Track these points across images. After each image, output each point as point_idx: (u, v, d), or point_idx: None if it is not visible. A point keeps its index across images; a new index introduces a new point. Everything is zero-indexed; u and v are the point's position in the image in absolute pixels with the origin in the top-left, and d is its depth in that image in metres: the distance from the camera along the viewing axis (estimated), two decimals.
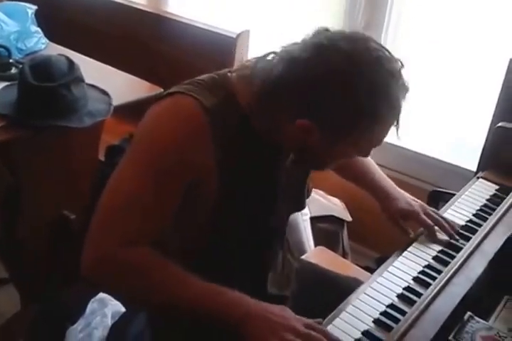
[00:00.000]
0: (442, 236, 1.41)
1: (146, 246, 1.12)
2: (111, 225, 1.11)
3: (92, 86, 2.02)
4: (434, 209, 1.50)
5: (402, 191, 1.53)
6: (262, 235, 1.29)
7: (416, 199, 1.51)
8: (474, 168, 2.23)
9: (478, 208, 1.58)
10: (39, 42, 2.34)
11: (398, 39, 2.43)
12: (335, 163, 1.26)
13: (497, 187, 1.70)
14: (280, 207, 1.31)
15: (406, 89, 1.11)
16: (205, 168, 1.13)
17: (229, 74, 1.21)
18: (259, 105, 1.14)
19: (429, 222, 1.42)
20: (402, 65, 1.11)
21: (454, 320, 0.85)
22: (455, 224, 1.44)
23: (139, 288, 1.12)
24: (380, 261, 2.52)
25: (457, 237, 1.40)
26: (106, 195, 1.13)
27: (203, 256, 1.22)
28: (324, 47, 1.06)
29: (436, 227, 1.42)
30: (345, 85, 1.04)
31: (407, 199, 1.49)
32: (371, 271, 1.86)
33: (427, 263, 1.32)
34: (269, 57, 1.16)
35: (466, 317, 0.87)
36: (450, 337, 0.79)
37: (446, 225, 1.42)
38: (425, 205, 1.49)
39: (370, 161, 1.56)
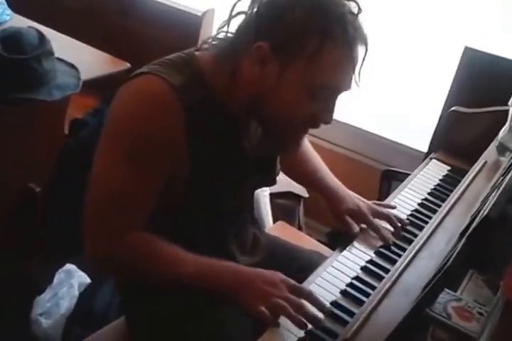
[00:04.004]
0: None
1: (139, 230, 1.17)
2: (104, 219, 1.15)
3: (60, 60, 2.01)
4: (385, 207, 1.52)
5: (350, 191, 1.54)
6: (230, 210, 1.33)
7: (363, 200, 1.52)
8: (420, 148, 2.35)
9: (432, 187, 1.67)
10: (3, 14, 2.30)
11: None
12: (295, 124, 1.19)
13: (449, 168, 1.79)
14: (249, 183, 1.35)
15: (363, 34, 1.13)
16: (176, 146, 1.15)
17: (196, 52, 1.23)
18: (221, 70, 1.16)
19: (375, 224, 1.44)
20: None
21: (426, 294, 0.93)
22: (404, 221, 1.48)
23: (142, 269, 1.19)
24: (330, 235, 2.64)
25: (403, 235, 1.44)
26: (92, 189, 1.15)
27: (171, 230, 1.23)
28: None
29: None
30: (299, 3, 1.09)
31: (354, 199, 1.50)
32: (324, 244, 1.96)
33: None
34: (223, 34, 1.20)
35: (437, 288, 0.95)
36: (426, 309, 0.87)
37: (395, 221, 1.45)
38: (372, 205, 1.50)
39: (319, 161, 1.58)
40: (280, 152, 1.39)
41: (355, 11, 1.13)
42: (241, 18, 1.18)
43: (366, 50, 1.15)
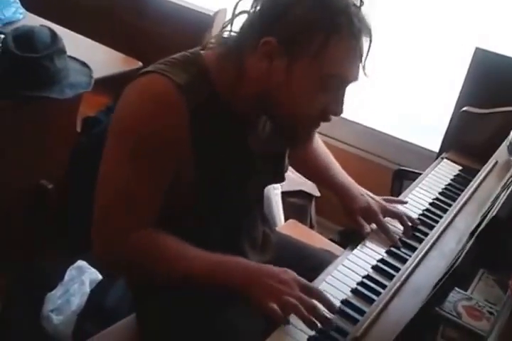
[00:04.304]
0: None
1: (149, 227, 1.17)
2: (112, 215, 1.15)
3: (73, 58, 2.02)
4: (395, 204, 1.52)
5: (362, 189, 1.53)
6: (238, 208, 1.33)
7: (375, 197, 1.52)
8: (432, 148, 2.35)
9: (443, 187, 1.67)
10: (17, 12, 2.32)
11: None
12: (305, 119, 1.19)
13: (460, 167, 1.79)
14: (256, 181, 1.34)
15: (366, 20, 1.14)
16: (181, 145, 1.16)
17: (201, 51, 1.23)
18: (227, 69, 1.17)
19: (385, 225, 1.44)
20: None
21: (436, 292, 0.93)
22: (415, 220, 1.48)
23: (150, 268, 1.18)
24: (342, 234, 2.64)
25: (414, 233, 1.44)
26: (99, 189, 1.16)
27: (180, 228, 1.23)
28: None
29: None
30: None
31: (366, 198, 1.49)
32: (336, 243, 1.96)
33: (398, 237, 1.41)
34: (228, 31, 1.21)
35: (447, 287, 0.95)
36: (436, 308, 0.87)
37: (406, 220, 1.45)
38: (384, 203, 1.50)
39: (331, 158, 1.58)
40: (290, 148, 1.39)
41: (358, 3, 1.13)
42: (245, 17, 1.18)
43: (371, 41, 1.15)
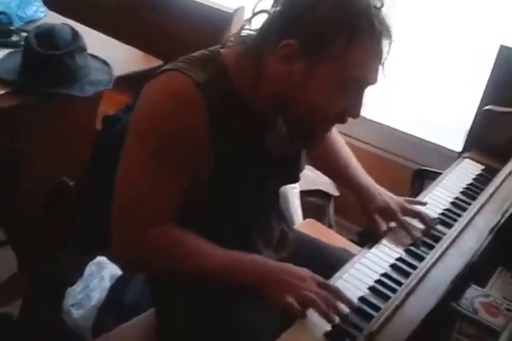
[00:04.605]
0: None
1: (168, 223, 1.18)
2: (133, 212, 1.16)
3: (93, 56, 2.05)
4: (416, 203, 1.51)
5: (381, 188, 1.53)
6: (254, 207, 1.34)
7: (394, 197, 1.50)
8: (455, 148, 2.33)
9: (465, 186, 1.65)
10: (38, 11, 2.35)
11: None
12: (323, 120, 1.20)
13: (483, 167, 1.76)
14: (272, 180, 1.35)
15: (386, 21, 1.13)
16: (200, 143, 1.16)
17: (221, 49, 1.23)
18: (246, 68, 1.17)
19: (404, 222, 1.43)
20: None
21: (453, 289, 0.92)
22: (433, 220, 1.46)
23: (168, 265, 1.18)
24: (361, 234, 2.63)
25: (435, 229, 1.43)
26: (119, 187, 1.16)
27: (197, 226, 1.23)
28: None
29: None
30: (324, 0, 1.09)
31: (384, 197, 1.48)
32: (355, 243, 1.95)
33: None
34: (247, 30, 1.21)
35: (465, 284, 0.95)
36: (452, 303, 0.87)
37: (426, 219, 1.44)
38: (403, 202, 1.49)
39: (350, 157, 1.57)
40: (305, 148, 1.39)
41: (379, 4, 1.13)
42: (264, 16, 1.18)
43: (391, 42, 1.15)
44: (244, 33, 1.21)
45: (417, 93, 2.60)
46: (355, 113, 1.19)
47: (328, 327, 1.08)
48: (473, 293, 0.90)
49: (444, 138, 2.54)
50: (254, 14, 1.19)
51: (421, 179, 2.16)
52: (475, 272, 0.88)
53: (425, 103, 2.61)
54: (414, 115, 2.67)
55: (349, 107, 1.18)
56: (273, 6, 1.15)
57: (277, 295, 1.09)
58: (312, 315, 1.08)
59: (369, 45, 1.11)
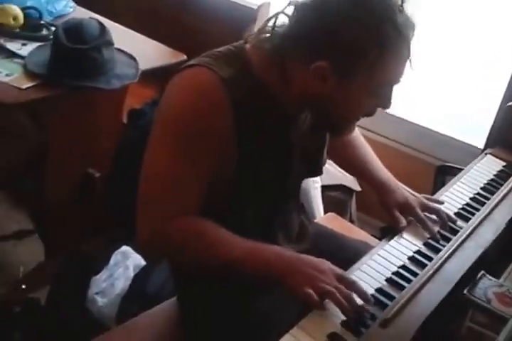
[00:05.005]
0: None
1: (191, 214, 1.20)
2: (157, 203, 1.18)
3: (120, 50, 2.08)
4: (434, 202, 1.51)
5: (400, 184, 1.54)
6: (276, 198, 1.35)
7: (413, 193, 1.52)
8: (479, 145, 2.32)
9: (486, 182, 1.65)
10: (67, 6, 2.38)
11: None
12: (353, 119, 1.26)
13: (504, 163, 1.76)
14: (295, 172, 1.36)
15: (411, 20, 1.14)
16: (225, 137, 1.18)
17: (245, 45, 1.25)
18: (271, 65, 1.18)
19: (422, 217, 1.44)
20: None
21: (467, 279, 0.94)
22: (452, 218, 1.46)
23: (190, 255, 1.21)
24: (384, 230, 2.63)
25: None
26: (145, 174, 1.19)
27: (219, 217, 1.25)
28: None
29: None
30: (349, 17, 1.08)
31: (404, 192, 1.50)
32: (377, 239, 1.95)
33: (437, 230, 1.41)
34: (274, 20, 1.21)
35: (479, 275, 0.96)
36: (465, 292, 0.88)
37: (443, 215, 1.45)
38: (423, 199, 1.50)
39: (370, 152, 1.58)
40: (332, 137, 1.41)
41: (400, 2, 1.13)
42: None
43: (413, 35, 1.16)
44: (268, 30, 1.22)
45: (443, 89, 2.60)
46: (387, 106, 1.23)
47: (344, 317, 1.10)
48: (487, 283, 0.91)
49: (470, 136, 2.53)
50: (275, 15, 1.21)
51: (443, 175, 2.17)
52: (490, 263, 0.90)
53: (450, 99, 2.60)
54: (440, 111, 2.66)
55: (380, 102, 1.22)
56: (293, 14, 1.16)
57: (297, 286, 1.11)
58: (330, 304, 1.10)
59: (399, 52, 1.13)
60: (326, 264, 1.17)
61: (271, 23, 1.21)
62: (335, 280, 1.13)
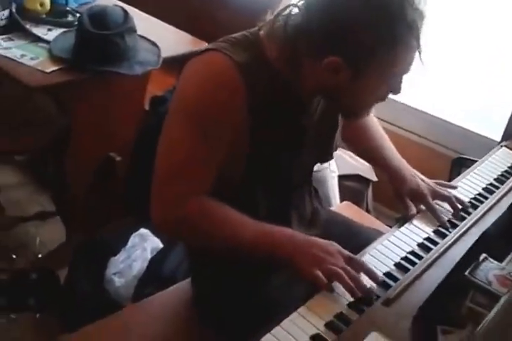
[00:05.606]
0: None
1: (204, 194, 1.23)
2: (172, 183, 1.21)
3: (143, 37, 2.12)
4: (445, 188, 1.52)
5: (413, 170, 1.55)
6: (288, 182, 1.38)
7: (425, 179, 1.53)
8: (498, 138, 2.32)
9: (499, 173, 1.67)
10: None
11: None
12: (366, 106, 1.28)
13: None
14: (307, 157, 1.39)
15: (421, 12, 1.14)
16: (238, 121, 1.21)
17: (260, 32, 1.26)
18: (284, 54, 1.20)
19: (433, 206, 1.46)
20: None
21: (470, 263, 0.96)
22: (465, 203, 1.48)
23: (203, 235, 1.24)
24: (399, 220, 2.63)
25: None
26: (161, 156, 1.22)
27: (229, 200, 1.27)
28: None
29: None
30: (360, 14, 1.10)
31: (417, 180, 1.51)
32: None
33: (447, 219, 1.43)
34: (287, 11, 1.23)
35: (481, 258, 0.99)
36: (466, 273, 0.91)
37: (455, 202, 1.46)
38: (435, 186, 1.51)
39: (385, 138, 1.60)
40: (346, 120, 1.43)
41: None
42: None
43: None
44: (281, 19, 1.23)
45: (462, 81, 2.59)
46: (397, 92, 1.26)
47: (351, 298, 1.13)
48: (489, 266, 0.94)
49: (489, 129, 2.53)
50: (287, 7, 1.22)
51: (459, 167, 2.17)
52: (494, 248, 0.92)
53: (470, 92, 2.60)
54: (459, 104, 2.66)
55: (391, 89, 1.24)
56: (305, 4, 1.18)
57: (305, 267, 1.14)
58: (337, 286, 1.13)
59: (409, 45, 1.15)
60: (334, 246, 1.19)
61: (283, 13, 1.23)
62: (343, 262, 1.15)
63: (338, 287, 1.13)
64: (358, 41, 1.11)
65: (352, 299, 1.13)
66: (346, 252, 1.19)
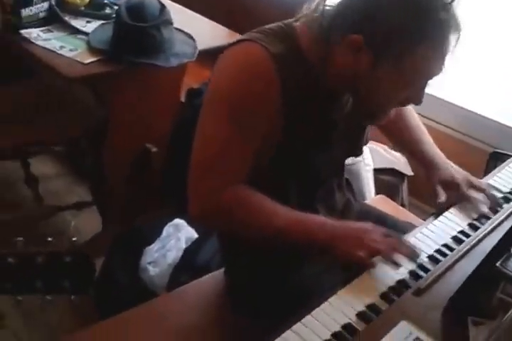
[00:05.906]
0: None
1: (240, 184, 1.24)
2: (206, 177, 1.23)
3: (179, 30, 2.13)
4: (479, 181, 1.51)
5: (450, 162, 1.55)
6: (316, 176, 1.38)
7: (461, 171, 1.52)
8: None
9: None
10: None
11: None
12: (385, 106, 1.27)
13: None
14: (337, 151, 1.39)
15: (456, 19, 1.14)
16: (272, 112, 1.21)
17: (294, 24, 1.27)
18: (316, 46, 1.21)
19: (468, 195, 1.46)
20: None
21: (499, 251, 0.96)
22: (498, 200, 1.47)
23: (239, 225, 1.26)
24: (436, 215, 2.61)
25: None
26: (197, 147, 1.23)
27: (261, 191, 1.28)
28: None
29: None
30: (396, 4, 1.11)
31: (451, 171, 1.50)
32: None
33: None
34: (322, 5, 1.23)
35: None
36: (497, 264, 0.90)
37: (491, 194, 1.47)
38: (470, 177, 1.51)
39: (422, 130, 1.59)
40: (366, 124, 1.43)
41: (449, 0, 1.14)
42: None
43: (459, 36, 1.16)
44: (317, 10, 1.23)
45: (499, 76, 2.56)
46: (418, 102, 1.25)
47: (391, 282, 1.15)
48: None
49: None
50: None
51: (495, 162, 2.15)
52: None
53: (507, 86, 2.56)
54: (496, 99, 2.62)
55: (412, 96, 1.24)
56: None
57: (347, 250, 1.16)
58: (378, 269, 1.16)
59: (436, 45, 1.14)
60: (368, 224, 1.22)
61: (321, 4, 1.23)
62: (380, 235, 1.18)
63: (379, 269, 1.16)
64: (385, 25, 1.11)
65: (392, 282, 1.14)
66: (383, 229, 1.22)
